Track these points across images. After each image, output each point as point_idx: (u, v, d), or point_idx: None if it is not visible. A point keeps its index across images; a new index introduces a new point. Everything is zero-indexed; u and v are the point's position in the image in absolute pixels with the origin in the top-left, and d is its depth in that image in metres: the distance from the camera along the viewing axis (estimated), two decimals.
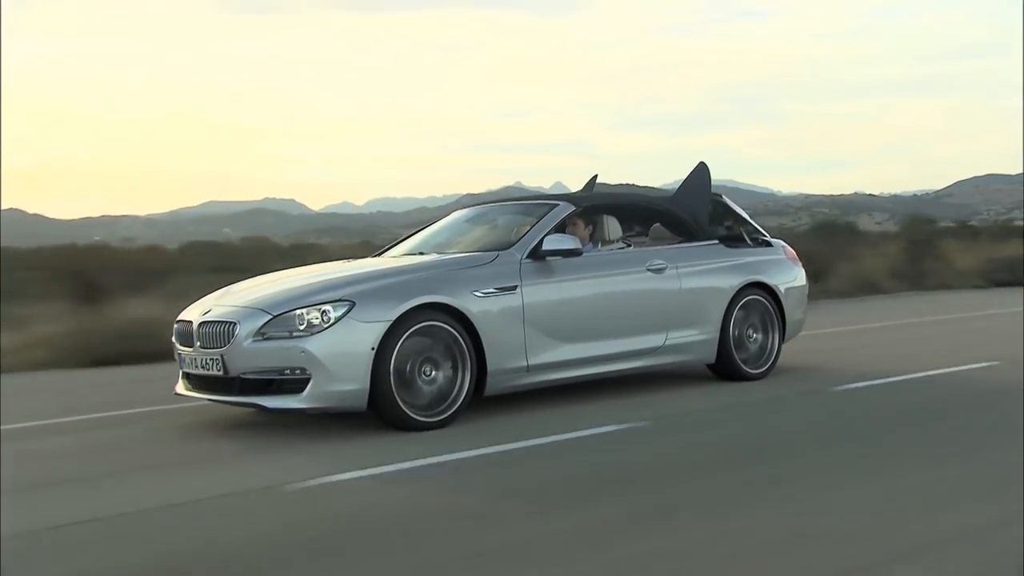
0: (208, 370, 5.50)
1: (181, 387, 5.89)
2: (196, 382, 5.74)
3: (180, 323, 5.90)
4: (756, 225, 7.66)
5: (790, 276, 7.47)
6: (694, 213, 7.15)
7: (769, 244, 7.53)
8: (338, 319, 5.24)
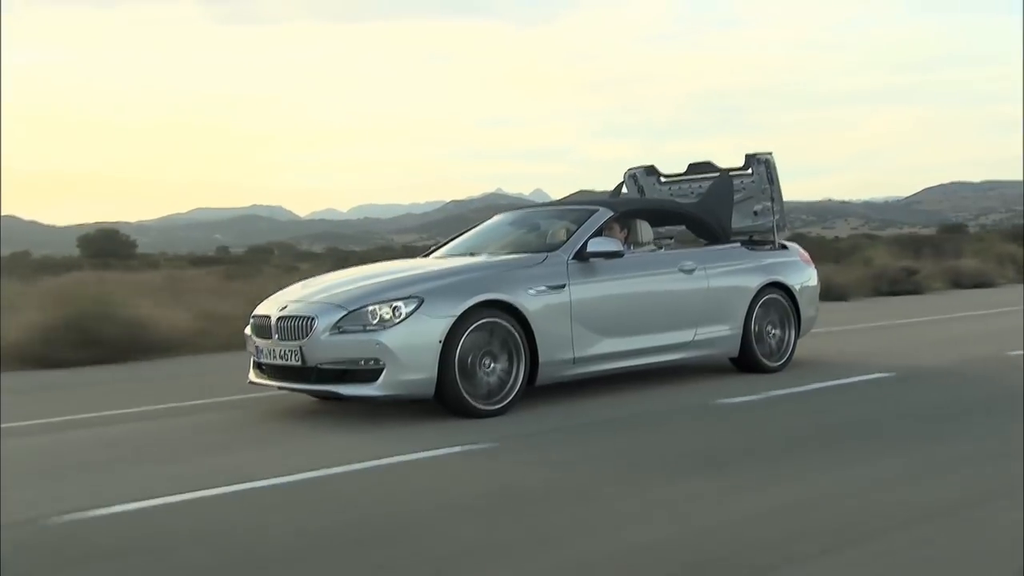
0: (287, 361, 5.93)
1: (253, 376, 6.34)
2: (270, 371, 6.16)
3: (257, 318, 6.32)
4: (783, 203, 8.20)
5: (804, 276, 8.06)
6: (718, 218, 7.72)
7: (785, 247, 8.13)
8: (409, 314, 5.71)
